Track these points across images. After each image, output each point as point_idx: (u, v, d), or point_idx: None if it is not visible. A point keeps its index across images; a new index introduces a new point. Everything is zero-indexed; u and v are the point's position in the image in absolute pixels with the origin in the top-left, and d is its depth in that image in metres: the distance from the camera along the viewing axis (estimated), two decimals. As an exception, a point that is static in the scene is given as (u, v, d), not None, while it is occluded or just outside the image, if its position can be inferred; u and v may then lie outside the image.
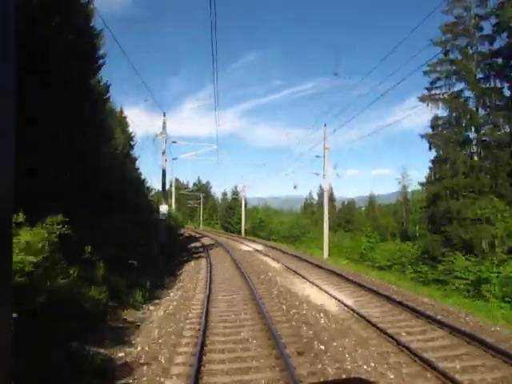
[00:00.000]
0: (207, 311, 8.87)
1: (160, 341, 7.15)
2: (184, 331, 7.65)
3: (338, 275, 14.66)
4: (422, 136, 23.79)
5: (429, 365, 5.63)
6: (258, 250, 25.78)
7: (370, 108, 78.06)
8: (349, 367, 5.73)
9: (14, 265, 4.71)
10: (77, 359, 5.46)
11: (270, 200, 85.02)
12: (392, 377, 5.41)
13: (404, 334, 7.33)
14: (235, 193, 57.14)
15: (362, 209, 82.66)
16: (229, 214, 57.37)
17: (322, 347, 6.60)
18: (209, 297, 10.47)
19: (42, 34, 7.91)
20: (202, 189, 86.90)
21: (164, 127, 19.17)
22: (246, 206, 52.41)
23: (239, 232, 52.61)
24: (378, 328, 7.58)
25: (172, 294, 11.55)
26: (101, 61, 12.16)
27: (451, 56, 24.32)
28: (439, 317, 8.46)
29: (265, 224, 49.99)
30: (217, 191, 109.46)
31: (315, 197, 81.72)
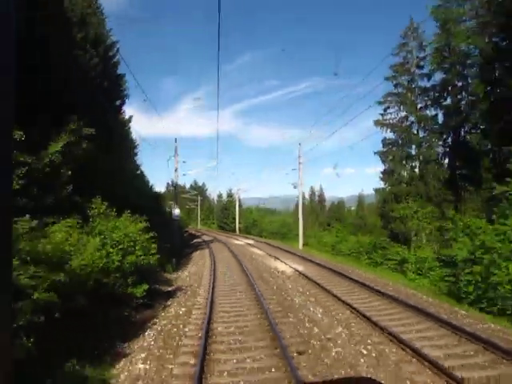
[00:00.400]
0: (214, 273, 15.36)
1: (188, 283, 13.66)
2: (202, 279, 14.16)
3: (302, 257, 21.23)
4: (375, 153, 30.47)
5: (321, 286, 12.17)
6: (248, 244, 32.29)
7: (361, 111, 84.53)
8: (283, 286, 12.27)
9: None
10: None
11: (271, 199, 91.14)
12: (301, 290, 11.95)
13: (325, 282, 13.77)
14: (230, 195, 63.94)
15: (352, 208, 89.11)
16: (224, 215, 64.10)
17: (275, 282, 13.15)
18: (214, 266, 16.98)
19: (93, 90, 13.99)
20: (199, 190, 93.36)
21: (176, 151, 25.62)
22: (240, 207, 59.02)
23: (234, 230, 59.10)
24: (309, 279, 14.06)
25: (189, 267, 18.07)
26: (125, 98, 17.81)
27: (398, 89, 31.02)
28: (361, 280, 14.75)
29: (257, 223, 56.60)
30: (212, 192, 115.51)
31: (307, 197, 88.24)
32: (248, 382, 5.34)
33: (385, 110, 31.63)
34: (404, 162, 30.05)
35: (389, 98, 31.47)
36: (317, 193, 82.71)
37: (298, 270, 15.92)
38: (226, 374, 5.65)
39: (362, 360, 6.07)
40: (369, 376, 4.89)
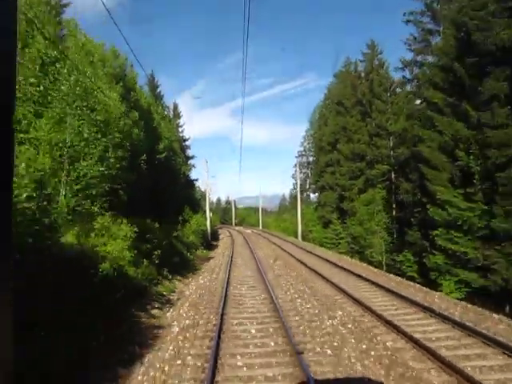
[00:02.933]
0: (233, 241, 43.52)
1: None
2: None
3: (258, 231, 49.55)
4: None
5: (259, 234, 40.54)
6: (240, 230, 60.65)
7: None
8: (250, 235, 40.65)
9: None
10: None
11: (272, 197, 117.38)
12: (253, 237, 40.29)
13: (263, 234, 42.03)
14: (228, 202, 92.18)
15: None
16: (225, 213, 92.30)
17: (247, 234, 41.54)
18: (230, 233, 45.24)
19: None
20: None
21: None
22: (236, 208, 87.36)
23: (231, 224, 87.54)
24: (258, 234, 42.26)
25: (221, 235, 46.29)
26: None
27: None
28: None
29: (245, 219, 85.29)
30: (210, 194, 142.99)
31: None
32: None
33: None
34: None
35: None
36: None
37: (254, 232, 44.31)
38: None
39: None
40: (370, 377, 5.25)
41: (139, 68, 55.49)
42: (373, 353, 6.14)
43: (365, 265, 19.83)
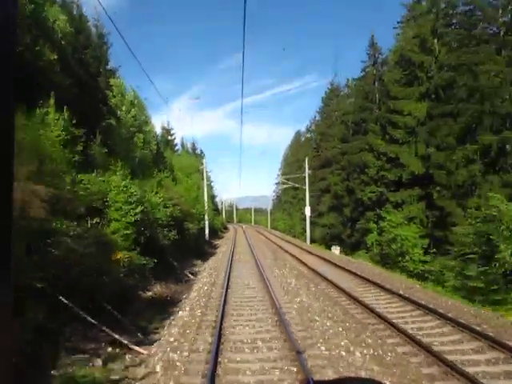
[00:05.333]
0: (235, 232, 72.71)
1: (227, 239, 71.31)
2: (231, 238, 71.74)
3: (254, 227, 78.68)
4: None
5: (255, 229, 69.84)
6: (241, 226, 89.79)
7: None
8: (248, 229, 70.04)
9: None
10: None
11: (261, 198, 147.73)
12: (249, 230, 69.57)
13: (261, 231, 71.24)
14: (230, 205, 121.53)
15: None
16: (228, 214, 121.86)
17: (246, 228, 70.90)
18: (235, 233, 74.52)
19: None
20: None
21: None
22: (237, 210, 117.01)
23: (233, 222, 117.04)
24: (255, 229, 71.39)
25: (225, 234, 75.53)
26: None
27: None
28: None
29: (243, 218, 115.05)
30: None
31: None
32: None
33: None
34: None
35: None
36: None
37: (247, 226, 73.64)
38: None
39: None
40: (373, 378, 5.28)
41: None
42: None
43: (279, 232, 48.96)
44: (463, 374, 5.38)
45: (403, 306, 9.54)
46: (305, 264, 17.70)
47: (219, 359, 6.11)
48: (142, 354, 7.17)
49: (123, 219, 11.23)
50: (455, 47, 24.67)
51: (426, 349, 6.43)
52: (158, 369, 5.93)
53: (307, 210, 36.03)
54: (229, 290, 11.45)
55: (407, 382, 5.32)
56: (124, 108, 20.48)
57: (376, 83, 34.23)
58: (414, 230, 22.74)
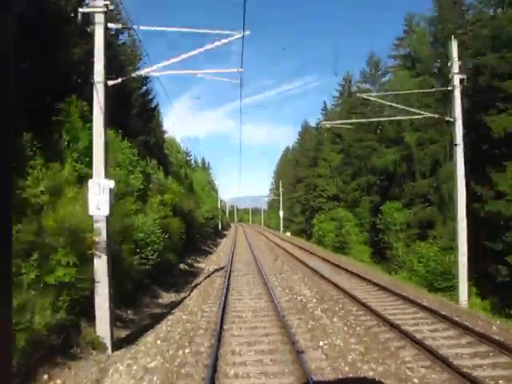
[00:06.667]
0: (236, 228, 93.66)
1: (232, 230, 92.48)
2: (234, 230, 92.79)
3: (252, 226, 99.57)
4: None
5: (252, 227, 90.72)
6: (241, 224, 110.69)
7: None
8: (248, 227, 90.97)
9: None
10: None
11: (260, 198, 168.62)
12: (249, 228, 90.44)
13: (257, 228, 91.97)
14: (232, 206, 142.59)
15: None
16: (229, 214, 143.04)
17: (246, 226, 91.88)
18: (236, 228, 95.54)
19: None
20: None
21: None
22: (237, 210, 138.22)
23: (234, 221, 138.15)
24: (254, 229, 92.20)
25: (226, 232, 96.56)
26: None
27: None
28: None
29: (243, 218, 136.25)
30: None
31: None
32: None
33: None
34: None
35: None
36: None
37: (246, 225, 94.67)
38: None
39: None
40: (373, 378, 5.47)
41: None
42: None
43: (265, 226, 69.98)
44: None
45: (310, 255, 25.18)
46: (267, 237, 39.05)
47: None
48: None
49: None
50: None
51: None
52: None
53: (281, 213, 57.15)
54: (236, 244, 32.64)
55: (256, 229, 26.69)
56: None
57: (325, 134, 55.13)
58: (331, 224, 43.74)
